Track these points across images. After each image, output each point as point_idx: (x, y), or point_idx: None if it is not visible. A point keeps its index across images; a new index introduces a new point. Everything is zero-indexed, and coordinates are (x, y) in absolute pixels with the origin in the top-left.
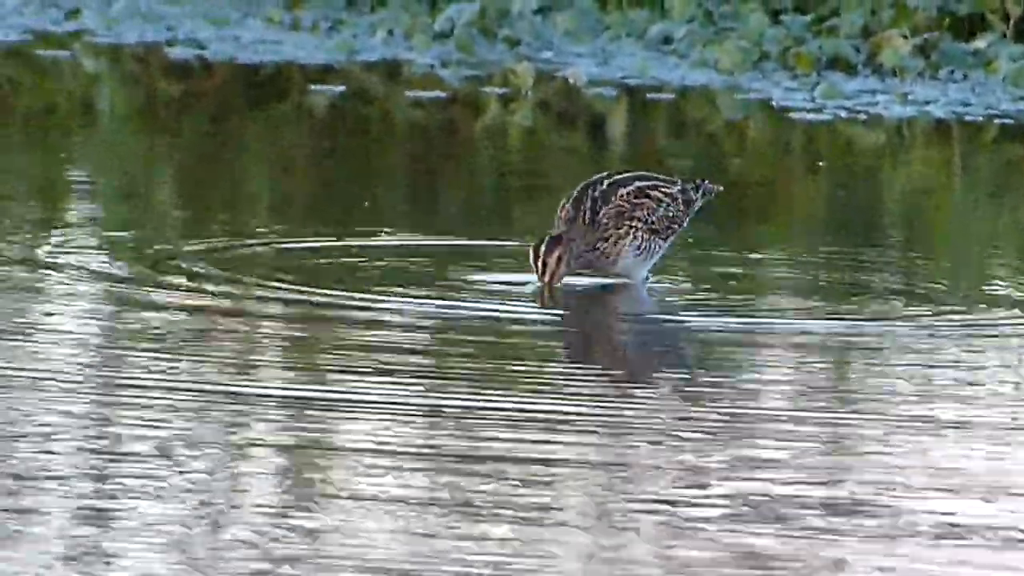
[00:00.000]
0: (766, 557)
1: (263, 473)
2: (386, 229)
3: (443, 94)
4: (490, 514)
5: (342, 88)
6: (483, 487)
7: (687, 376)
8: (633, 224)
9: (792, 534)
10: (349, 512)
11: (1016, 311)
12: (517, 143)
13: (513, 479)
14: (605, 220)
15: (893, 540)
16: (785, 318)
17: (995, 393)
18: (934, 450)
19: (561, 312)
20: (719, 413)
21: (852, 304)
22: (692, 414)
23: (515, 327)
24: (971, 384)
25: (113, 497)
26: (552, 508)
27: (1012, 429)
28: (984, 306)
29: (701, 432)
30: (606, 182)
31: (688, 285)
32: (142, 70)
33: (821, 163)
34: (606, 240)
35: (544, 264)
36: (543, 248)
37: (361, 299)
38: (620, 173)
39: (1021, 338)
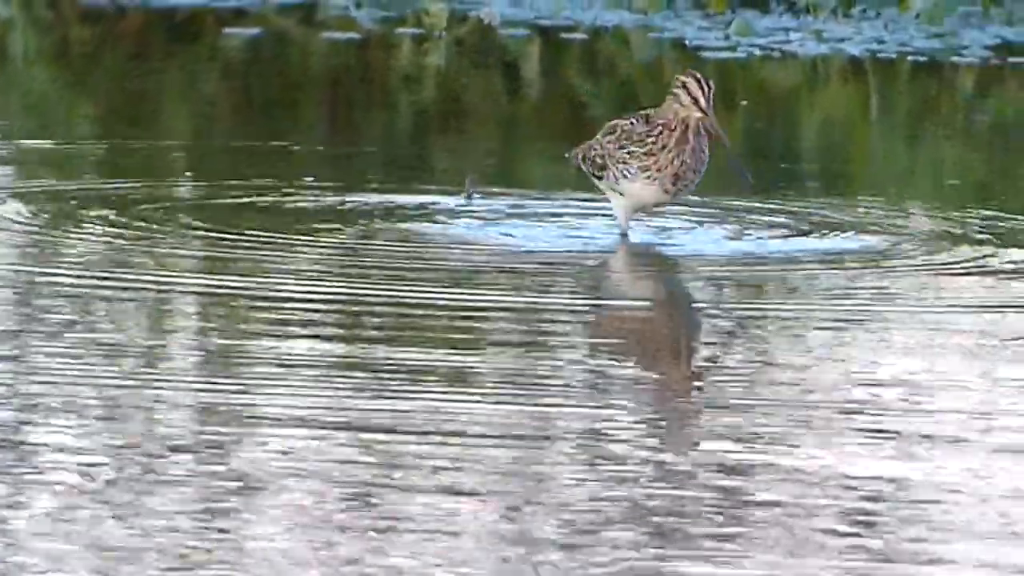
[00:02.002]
0: None
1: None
2: (307, 178)
3: (357, 35)
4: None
5: (257, 31)
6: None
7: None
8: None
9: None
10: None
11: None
12: (431, 84)
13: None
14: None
15: None
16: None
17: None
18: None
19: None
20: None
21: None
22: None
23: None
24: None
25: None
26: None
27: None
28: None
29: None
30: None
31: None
32: (55, 15)
33: (744, 101)
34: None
35: (711, 94)
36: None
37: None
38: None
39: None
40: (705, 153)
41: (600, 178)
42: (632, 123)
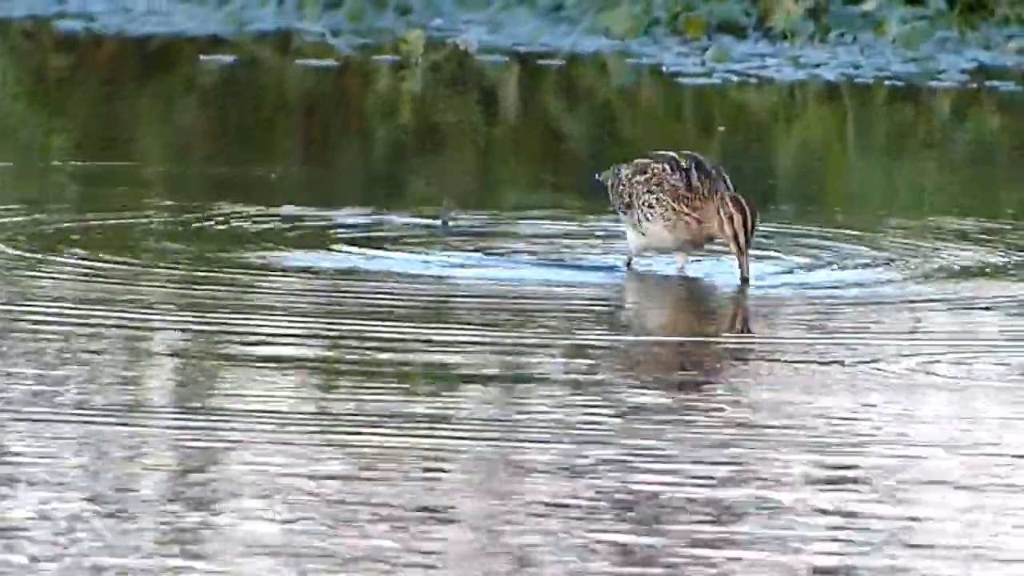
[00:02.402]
0: None
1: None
2: (287, 203)
3: (334, 63)
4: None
5: (233, 59)
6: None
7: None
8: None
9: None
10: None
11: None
12: (408, 111)
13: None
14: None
15: None
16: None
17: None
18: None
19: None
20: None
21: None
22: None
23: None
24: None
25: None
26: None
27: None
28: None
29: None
30: (700, 158)
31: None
32: (32, 43)
33: (721, 128)
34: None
35: (754, 229)
36: (754, 212)
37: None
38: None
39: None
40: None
41: (625, 213)
42: (666, 169)
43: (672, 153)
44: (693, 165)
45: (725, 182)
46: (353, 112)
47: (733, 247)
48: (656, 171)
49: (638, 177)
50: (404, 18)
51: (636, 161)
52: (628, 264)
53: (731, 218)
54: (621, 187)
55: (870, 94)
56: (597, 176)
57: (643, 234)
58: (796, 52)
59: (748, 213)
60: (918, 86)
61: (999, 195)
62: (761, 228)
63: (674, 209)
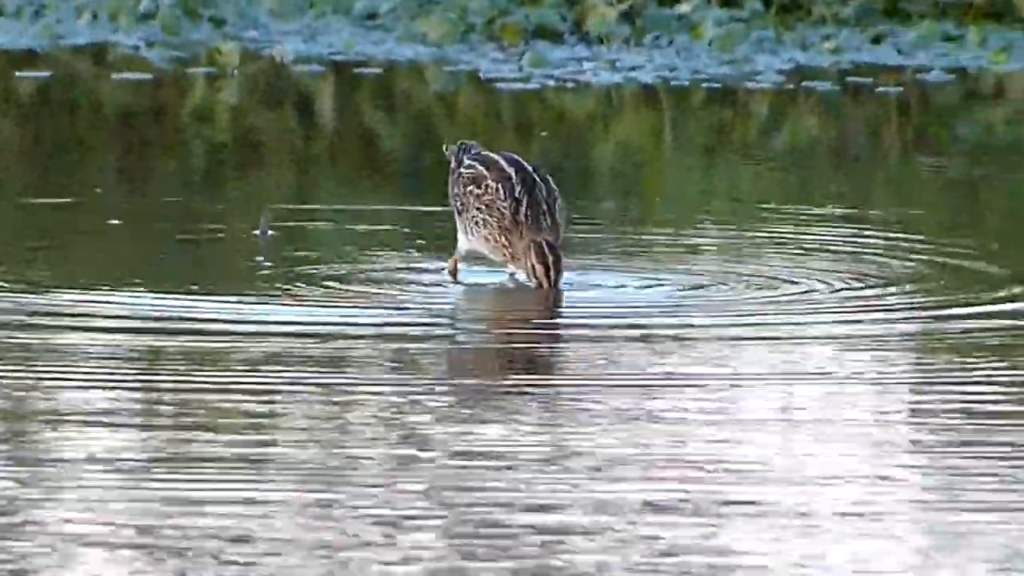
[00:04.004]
0: None
1: None
2: (111, 220)
3: (149, 76)
4: None
5: (48, 73)
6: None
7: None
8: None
9: None
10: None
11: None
12: (225, 123)
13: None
14: (560, 220)
15: None
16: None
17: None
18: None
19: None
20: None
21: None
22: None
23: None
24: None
25: None
26: None
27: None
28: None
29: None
30: (537, 177)
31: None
32: None
33: (543, 133)
34: (561, 222)
35: (559, 273)
36: (557, 259)
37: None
38: (526, 162)
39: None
40: (563, 219)
41: (459, 214)
42: (500, 193)
43: (511, 171)
44: (527, 195)
45: (552, 215)
46: (170, 126)
47: (536, 282)
48: (491, 191)
49: (473, 188)
50: (219, 30)
51: (480, 160)
52: (453, 273)
53: (534, 268)
54: (457, 189)
55: (687, 96)
56: (445, 149)
57: (468, 239)
58: (612, 56)
59: (551, 263)
60: (735, 88)
61: (815, 195)
62: (582, 236)
63: (496, 236)
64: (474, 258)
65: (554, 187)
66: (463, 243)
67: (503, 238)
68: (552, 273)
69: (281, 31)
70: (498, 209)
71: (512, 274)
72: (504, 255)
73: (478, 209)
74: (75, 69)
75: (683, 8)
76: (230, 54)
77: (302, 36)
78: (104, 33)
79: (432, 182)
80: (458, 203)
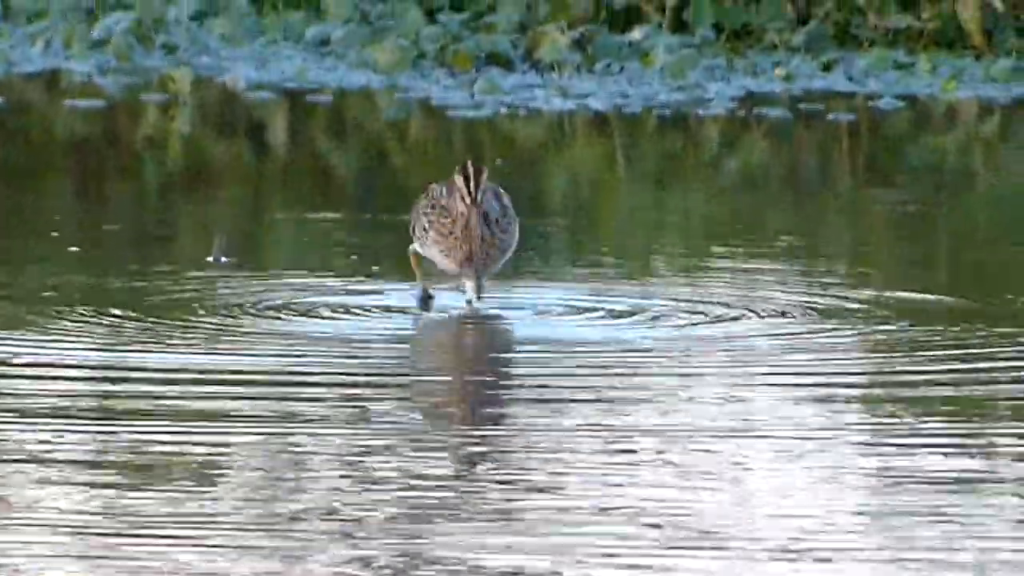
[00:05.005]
0: None
1: None
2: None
3: (102, 103)
4: None
5: (0, 100)
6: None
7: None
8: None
9: None
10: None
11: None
12: (177, 150)
13: None
14: (503, 219)
15: None
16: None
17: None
18: None
19: None
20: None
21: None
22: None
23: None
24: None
25: None
26: None
27: None
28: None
29: None
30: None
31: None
32: None
33: (499, 161)
34: (504, 232)
35: (477, 183)
36: (478, 171)
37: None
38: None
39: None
40: (508, 233)
41: (413, 232)
42: (442, 190)
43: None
44: (482, 216)
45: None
46: (122, 153)
47: (462, 207)
48: (434, 193)
49: (421, 199)
50: (171, 56)
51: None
52: (424, 300)
53: (459, 189)
54: (413, 207)
55: (639, 123)
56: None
57: (423, 256)
58: (564, 83)
59: (471, 174)
60: (686, 114)
61: (766, 222)
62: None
63: (438, 219)
64: (434, 275)
65: (507, 204)
66: (418, 250)
67: (445, 227)
68: (471, 184)
69: (232, 57)
70: (440, 202)
71: (470, 301)
72: (447, 231)
73: (425, 214)
74: (27, 96)
75: (634, 35)
76: (182, 81)
77: (253, 63)
78: (57, 60)
79: (385, 208)
80: (411, 223)
